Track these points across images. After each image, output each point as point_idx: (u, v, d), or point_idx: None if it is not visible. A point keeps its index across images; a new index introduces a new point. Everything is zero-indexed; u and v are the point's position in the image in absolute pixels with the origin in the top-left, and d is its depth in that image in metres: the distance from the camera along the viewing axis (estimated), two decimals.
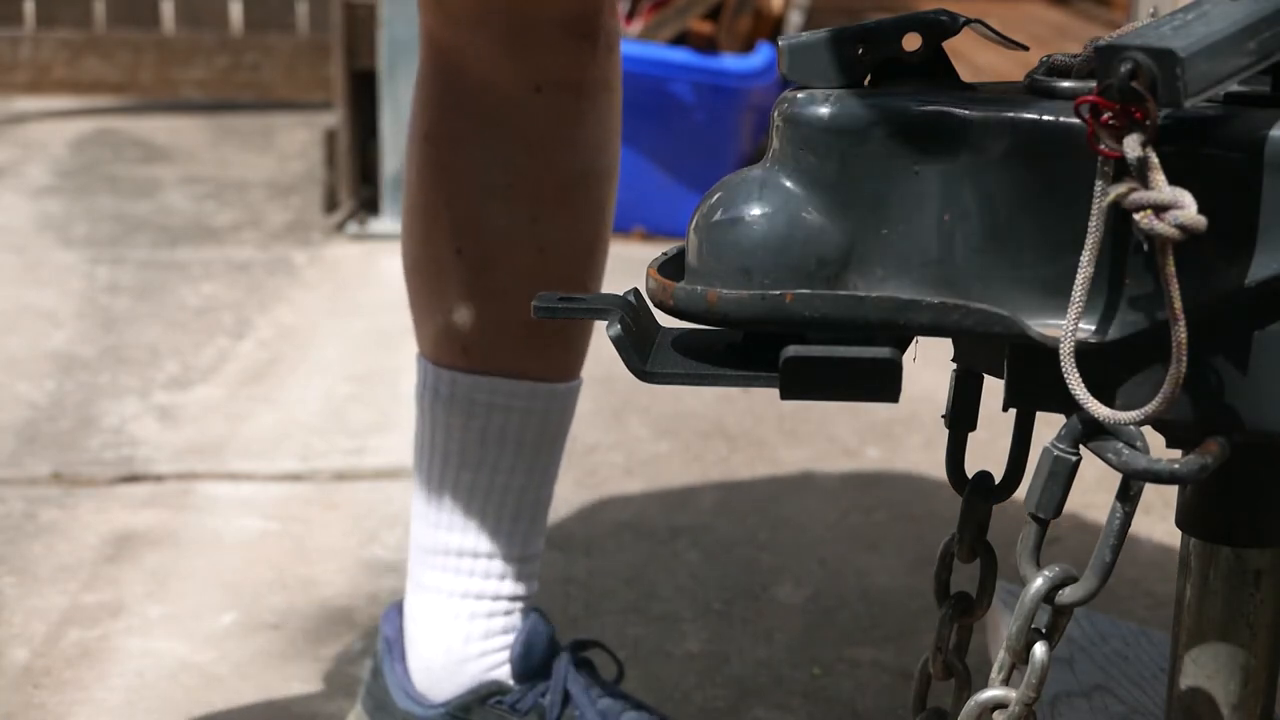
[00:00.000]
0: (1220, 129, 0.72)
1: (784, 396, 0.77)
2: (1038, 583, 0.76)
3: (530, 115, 1.28)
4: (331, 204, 3.44)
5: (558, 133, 1.30)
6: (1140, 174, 0.68)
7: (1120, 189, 0.69)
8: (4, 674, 1.58)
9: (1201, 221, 0.67)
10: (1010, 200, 0.75)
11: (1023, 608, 0.76)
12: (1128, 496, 0.74)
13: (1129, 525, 0.74)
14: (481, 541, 1.35)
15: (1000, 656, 0.79)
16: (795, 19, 3.48)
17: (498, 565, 1.37)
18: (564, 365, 1.36)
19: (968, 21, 0.81)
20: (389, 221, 3.30)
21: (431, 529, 1.37)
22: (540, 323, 1.29)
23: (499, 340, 1.32)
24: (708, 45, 3.31)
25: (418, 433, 1.37)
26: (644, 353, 0.81)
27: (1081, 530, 1.80)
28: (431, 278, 1.33)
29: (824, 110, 0.78)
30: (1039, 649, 0.77)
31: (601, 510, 2.00)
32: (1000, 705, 0.79)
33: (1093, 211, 0.70)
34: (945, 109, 0.76)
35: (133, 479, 2.07)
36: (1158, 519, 1.87)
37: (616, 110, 1.35)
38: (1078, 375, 0.71)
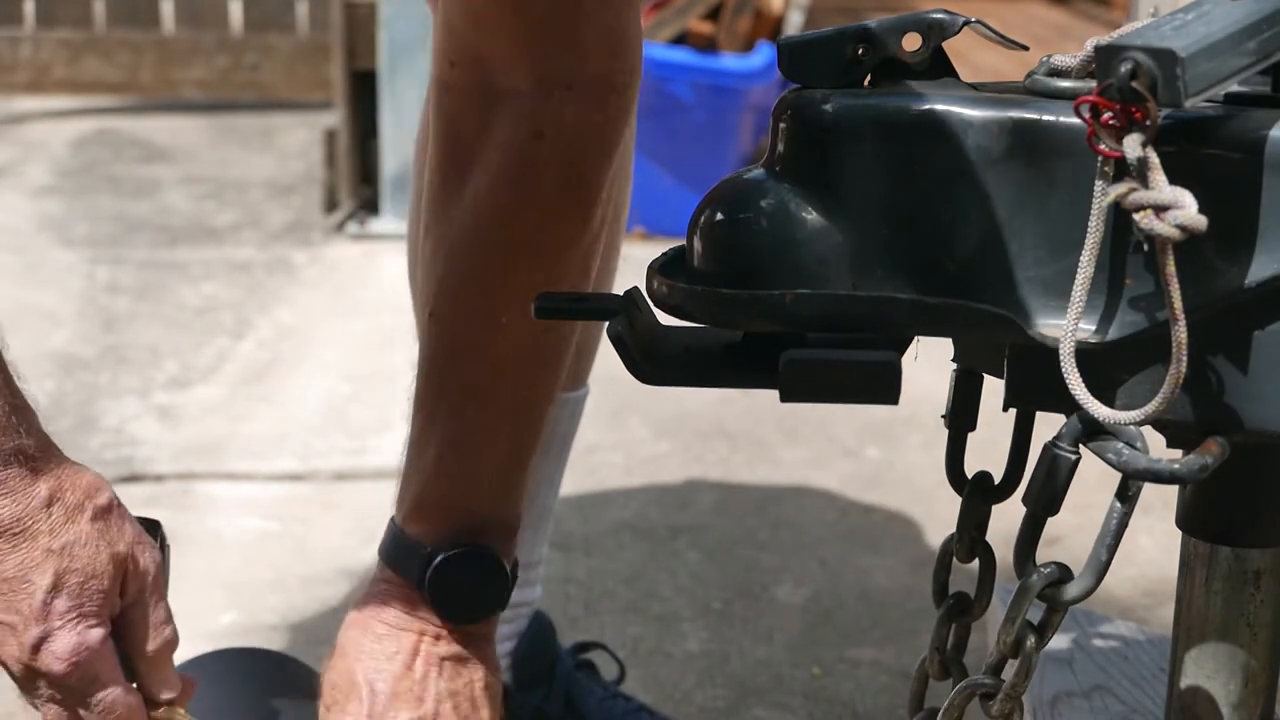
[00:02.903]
0: (1220, 129, 0.72)
1: (784, 399, 0.77)
2: (1033, 579, 0.76)
3: None
4: (331, 204, 3.45)
5: None
6: (1140, 174, 0.68)
7: (1120, 189, 0.69)
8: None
9: (1202, 221, 0.67)
10: (1010, 200, 0.75)
11: (1016, 602, 0.77)
12: (1126, 496, 0.74)
13: (1126, 525, 0.74)
14: None
15: (991, 648, 0.80)
16: (795, 19, 3.48)
17: None
18: (573, 374, 1.35)
19: (968, 21, 0.81)
20: (389, 221, 3.30)
21: None
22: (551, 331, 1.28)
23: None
24: (708, 45, 3.31)
25: None
26: (644, 353, 0.81)
27: (1082, 530, 1.80)
28: None
29: (824, 110, 0.78)
30: (1029, 642, 0.77)
31: (601, 510, 2.00)
32: (988, 694, 0.79)
33: (1093, 211, 0.70)
34: (945, 109, 0.76)
35: (133, 479, 2.07)
36: (1158, 519, 1.87)
37: (635, 109, 1.34)
38: (1078, 375, 0.71)
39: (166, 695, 0.98)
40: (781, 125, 0.79)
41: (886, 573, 1.83)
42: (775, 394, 0.78)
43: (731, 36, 3.34)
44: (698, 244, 0.80)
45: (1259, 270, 0.71)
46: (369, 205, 3.41)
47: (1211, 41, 0.69)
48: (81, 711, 0.94)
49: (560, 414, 1.34)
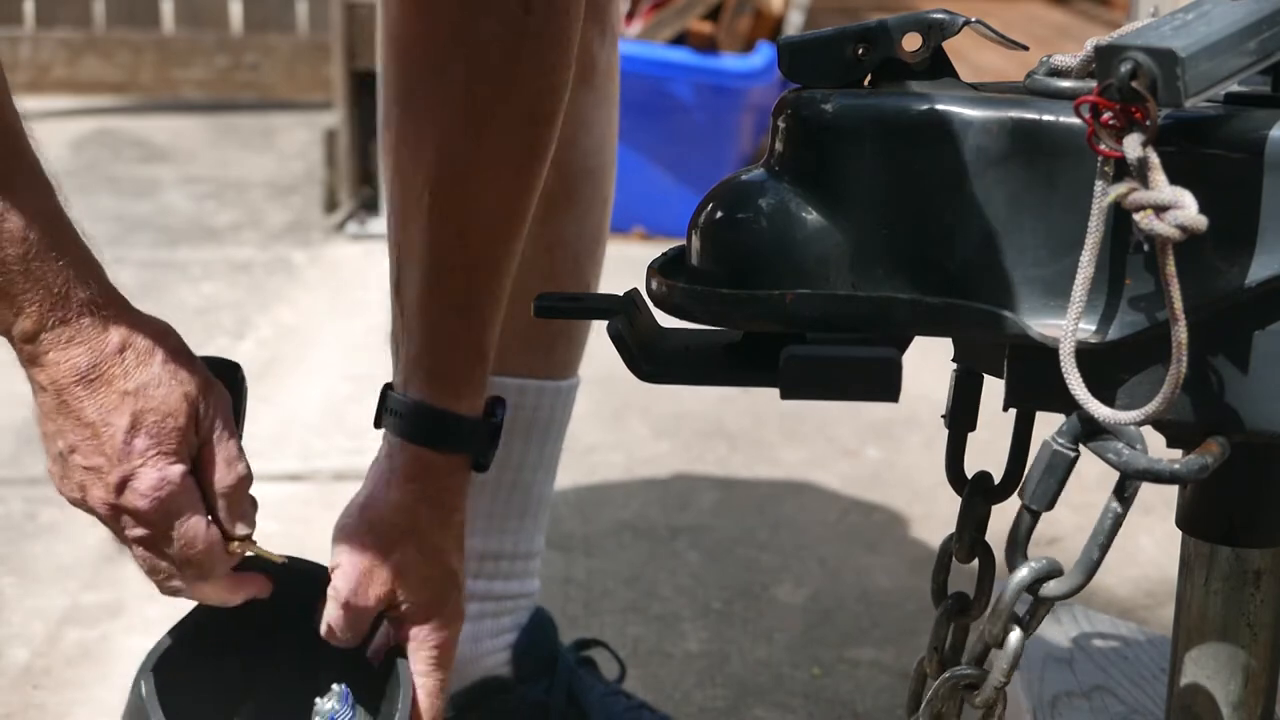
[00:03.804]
0: (1220, 129, 0.72)
1: (784, 396, 0.77)
2: (1022, 573, 0.76)
3: None
4: (331, 204, 3.45)
5: (568, 129, 1.28)
6: (1140, 174, 0.68)
7: (1120, 189, 0.69)
8: (4, 674, 1.58)
9: (1202, 221, 0.67)
10: (1010, 200, 0.75)
11: (1005, 595, 0.77)
12: (1123, 496, 0.74)
13: (1120, 525, 0.74)
14: (489, 541, 1.35)
15: (975, 638, 0.80)
16: (795, 19, 3.48)
17: (504, 565, 1.37)
18: (566, 363, 1.36)
19: (968, 21, 0.81)
20: None
21: None
22: (545, 321, 1.29)
23: (506, 340, 1.32)
24: (708, 45, 3.31)
25: None
26: (644, 353, 0.81)
27: (1082, 530, 1.80)
28: None
29: (824, 110, 0.78)
30: (1013, 636, 0.78)
31: (601, 510, 2.00)
32: (972, 684, 0.80)
33: (1093, 211, 0.70)
34: (945, 109, 0.76)
35: None
36: (1158, 519, 1.87)
37: (617, 100, 1.34)
38: (1078, 375, 0.71)
39: (242, 530, 1.04)
40: (781, 125, 0.79)
41: (886, 573, 1.83)
42: (775, 394, 0.78)
43: (731, 36, 3.34)
44: (697, 244, 0.80)
45: (1259, 270, 0.71)
46: (369, 205, 3.41)
47: (1211, 41, 0.69)
48: (165, 547, 1.00)
49: (555, 402, 1.35)
